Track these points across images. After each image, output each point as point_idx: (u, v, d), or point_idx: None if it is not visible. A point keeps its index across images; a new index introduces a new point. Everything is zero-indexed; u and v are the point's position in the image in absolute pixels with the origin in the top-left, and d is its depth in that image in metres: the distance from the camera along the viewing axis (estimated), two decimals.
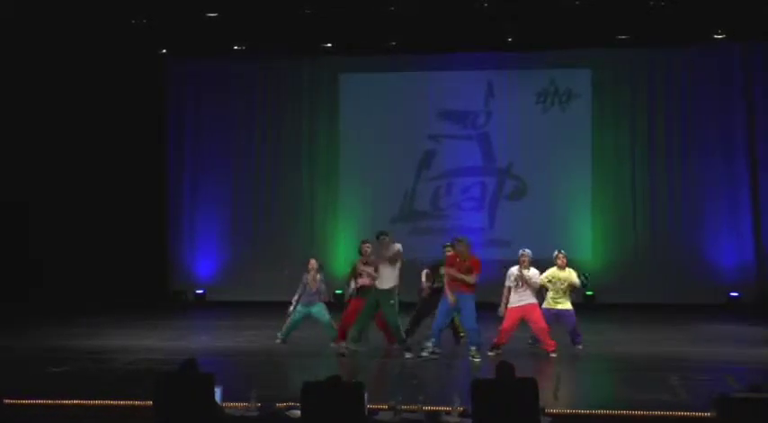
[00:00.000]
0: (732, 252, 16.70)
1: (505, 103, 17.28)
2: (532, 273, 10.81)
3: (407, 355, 10.56)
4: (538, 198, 17.16)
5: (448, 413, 7.14)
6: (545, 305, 10.98)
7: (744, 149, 16.80)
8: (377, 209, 17.12)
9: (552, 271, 11.09)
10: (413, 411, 7.19)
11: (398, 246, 10.75)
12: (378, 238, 10.85)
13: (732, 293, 16.44)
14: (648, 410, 7.56)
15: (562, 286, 11.00)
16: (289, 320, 11.76)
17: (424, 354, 10.55)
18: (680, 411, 7.56)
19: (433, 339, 10.62)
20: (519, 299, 10.75)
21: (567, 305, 11.03)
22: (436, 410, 7.29)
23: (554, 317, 10.98)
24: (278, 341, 11.69)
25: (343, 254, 16.76)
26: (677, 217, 16.94)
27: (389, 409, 7.17)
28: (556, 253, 11.18)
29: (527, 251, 10.84)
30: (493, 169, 17.43)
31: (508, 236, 16.63)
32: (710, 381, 9.00)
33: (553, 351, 10.61)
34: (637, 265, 16.83)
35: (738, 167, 16.80)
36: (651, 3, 14.91)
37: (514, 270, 10.83)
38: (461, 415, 6.94)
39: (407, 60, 17.24)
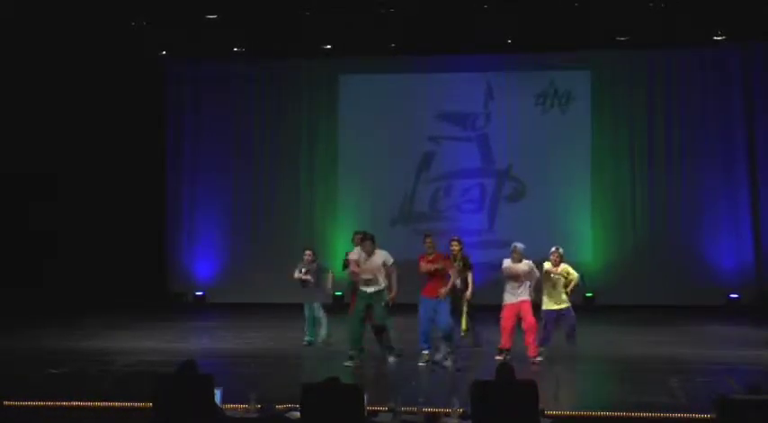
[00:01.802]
0: (731, 253, 16.67)
1: (505, 105, 17.24)
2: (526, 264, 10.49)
3: (390, 360, 10.40)
4: (537, 199, 17.13)
5: (447, 415, 7.13)
6: (545, 307, 10.63)
7: (743, 150, 16.77)
8: (376, 210, 17.09)
9: (549, 266, 10.67)
10: (412, 413, 7.18)
11: (353, 253, 10.67)
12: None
13: (732, 295, 16.42)
14: (648, 412, 7.55)
15: (562, 281, 10.64)
16: (305, 318, 11.83)
17: (421, 363, 10.26)
18: (679, 413, 7.56)
19: (424, 344, 10.30)
20: (515, 295, 10.42)
21: (567, 304, 10.71)
22: (436, 412, 7.28)
23: (556, 317, 10.66)
24: (305, 343, 11.74)
25: (342, 255, 16.63)
26: (677, 218, 16.91)
27: (389, 410, 7.17)
28: (553, 249, 10.72)
29: (519, 245, 10.46)
30: (492, 171, 17.40)
31: (507, 237, 16.44)
32: (710, 382, 9.01)
33: (535, 356, 10.26)
34: (636, 267, 16.78)
35: (738, 168, 16.76)
36: (651, 4, 14.90)
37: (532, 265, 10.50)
38: (461, 417, 6.93)
39: (407, 62, 17.23)
